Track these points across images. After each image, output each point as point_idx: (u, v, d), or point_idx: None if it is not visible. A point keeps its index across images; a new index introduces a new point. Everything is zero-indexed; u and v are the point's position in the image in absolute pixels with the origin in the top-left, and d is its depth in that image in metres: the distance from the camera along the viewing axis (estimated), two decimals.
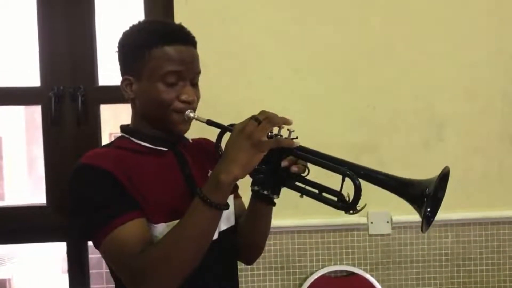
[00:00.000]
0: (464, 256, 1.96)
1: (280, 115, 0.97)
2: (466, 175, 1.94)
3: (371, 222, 1.91)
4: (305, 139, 1.81)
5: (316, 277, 1.90)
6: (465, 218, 1.93)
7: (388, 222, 1.91)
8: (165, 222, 1.03)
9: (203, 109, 1.14)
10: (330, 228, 1.91)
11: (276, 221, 1.73)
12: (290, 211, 1.72)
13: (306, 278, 1.91)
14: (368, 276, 1.92)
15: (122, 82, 1.10)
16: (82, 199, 1.01)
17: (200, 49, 1.12)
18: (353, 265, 1.93)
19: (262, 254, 1.88)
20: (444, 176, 0.97)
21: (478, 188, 1.94)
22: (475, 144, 1.94)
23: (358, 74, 1.91)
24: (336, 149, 1.87)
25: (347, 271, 1.93)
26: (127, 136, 1.12)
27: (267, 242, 1.87)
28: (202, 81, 1.13)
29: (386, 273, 1.94)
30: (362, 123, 1.92)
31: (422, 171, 1.88)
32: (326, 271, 1.91)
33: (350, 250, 1.93)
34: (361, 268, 1.93)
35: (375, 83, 1.91)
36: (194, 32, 1.11)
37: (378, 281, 1.92)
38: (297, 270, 1.92)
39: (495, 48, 1.94)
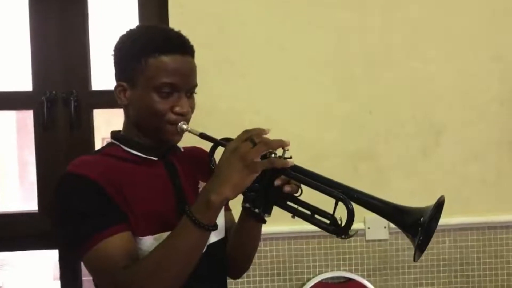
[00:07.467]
0: (462, 261, 1.95)
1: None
2: (463, 180, 1.93)
3: (368, 228, 1.89)
4: (304, 146, 1.80)
5: (313, 283, 1.88)
6: (463, 223, 1.92)
7: (385, 227, 1.90)
8: (152, 235, 1.00)
9: (199, 117, 1.12)
10: (327, 234, 1.88)
11: (273, 227, 1.73)
12: (287, 217, 1.70)
13: (303, 285, 1.89)
14: (365, 282, 1.90)
15: (116, 87, 1.07)
16: (67, 209, 0.98)
17: (196, 56, 1.09)
18: (351, 271, 1.92)
19: (258, 261, 1.89)
20: (439, 206, 0.95)
21: (475, 193, 1.94)
22: (473, 150, 1.94)
23: (356, 82, 1.91)
24: (335, 156, 1.89)
25: (344, 277, 1.92)
26: (117, 143, 1.09)
27: (264, 248, 1.89)
28: (198, 88, 1.10)
29: (384, 278, 1.93)
30: (360, 131, 1.91)
31: (420, 178, 1.90)
32: (323, 277, 1.89)
33: (347, 256, 1.92)
34: (358, 274, 1.91)
35: (373, 90, 1.91)
36: (188, 38, 1.08)
37: (375, 287, 1.90)
38: (293, 277, 1.90)
39: (492, 56, 1.94)
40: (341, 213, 0.97)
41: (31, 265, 4.68)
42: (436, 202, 0.94)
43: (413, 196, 1.84)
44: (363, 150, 1.91)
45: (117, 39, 1.08)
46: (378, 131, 1.91)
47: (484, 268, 1.95)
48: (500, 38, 1.94)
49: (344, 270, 1.92)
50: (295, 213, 1.02)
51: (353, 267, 1.92)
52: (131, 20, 1.92)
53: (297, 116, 1.87)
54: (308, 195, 1.02)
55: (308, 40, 1.88)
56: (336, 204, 0.97)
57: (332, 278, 1.91)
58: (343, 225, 0.97)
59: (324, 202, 1.01)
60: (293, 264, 1.90)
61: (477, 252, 1.95)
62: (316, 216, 1.02)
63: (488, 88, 1.94)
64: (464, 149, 1.93)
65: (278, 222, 1.59)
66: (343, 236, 0.98)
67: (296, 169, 1.00)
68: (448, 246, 1.94)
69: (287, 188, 1.01)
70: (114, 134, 1.12)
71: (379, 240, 1.92)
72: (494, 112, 1.95)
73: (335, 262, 1.91)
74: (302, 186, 1.02)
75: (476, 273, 1.95)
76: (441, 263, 1.94)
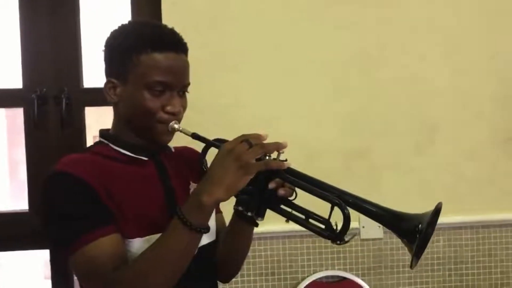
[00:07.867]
0: (456, 260, 1.95)
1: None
2: (457, 179, 1.93)
3: (363, 227, 1.89)
4: (298, 145, 1.78)
5: (307, 282, 1.87)
6: (457, 222, 1.92)
7: (379, 226, 1.88)
8: (141, 237, 0.98)
9: (191, 115, 1.10)
10: None
11: (267, 226, 1.71)
12: (281, 216, 1.69)
13: (297, 284, 1.88)
14: (360, 281, 1.90)
15: (106, 84, 1.04)
16: (54, 208, 0.95)
17: (189, 52, 1.07)
18: (345, 270, 1.91)
19: (253, 260, 1.87)
20: (437, 212, 0.93)
21: (470, 191, 1.94)
22: (467, 148, 1.94)
23: (351, 80, 1.90)
24: (329, 155, 1.88)
25: (338, 276, 1.91)
26: (106, 142, 1.07)
27: (258, 247, 1.87)
28: (190, 85, 1.08)
29: (378, 277, 1.92)
30: (355, 129, 1.90)
31: (415, 176, 1.90)
32: (317, 277, 1.88)
33: (341, 255, 1.91)
34: (353, 273, 1.91)
35: (367, 87, 1.90)
36: (181, 34, 1.06)
37: (370, 286, 1.90)
38: (288, 276, 1.89)
39: (488, 54, 1.94)
40: (336, 218, 0.95)
41: (22, 264, 4.64)
42: (434, 209, 0.92)
43: (407, 195, 1.84)
44: (358, 149, 1.90)
45: (108, 34, 1.05)
46: (373, 129, 1.90)
47: (478, 267, 1.96)
48: (496, 37, 1.94)
49: (339, 269, 1.91)
50: (289, 217, 1.00)
51: (348, 266, 1.91)
52: (123, 16, 1.90)
53: (292, 114, 1.86)
54: (303, 199, 0.99)
55: (303, 38, 1.87)
56: (331, 208, 0.94)
57: (326, 277, 1.91)
58: (338, 230, 0.95)
59: (319, 206, 0.98)
60: (288, 263, 1.89)
61: (471, 250, 1.95)
62: (311, 220, 0.99)
63: (484, 87, 1.94)
64: (459, 147, 1.93)
65: (272, 221, 1.58)
66: (338, 242, 0.95)
67: (291, 171, 0.97)
68: (443, 245, 1.94)
69: (281, 191, 0.99)
70: (103, 133, 1.09)
71: (374, 239, 1.91)
72: (489, 111, 1.95)
73: (329, 261, 1.90)
74: (297, 189, 0.99)
75: (470, 271, 1.95)
76: (435, 261, 1.94)
